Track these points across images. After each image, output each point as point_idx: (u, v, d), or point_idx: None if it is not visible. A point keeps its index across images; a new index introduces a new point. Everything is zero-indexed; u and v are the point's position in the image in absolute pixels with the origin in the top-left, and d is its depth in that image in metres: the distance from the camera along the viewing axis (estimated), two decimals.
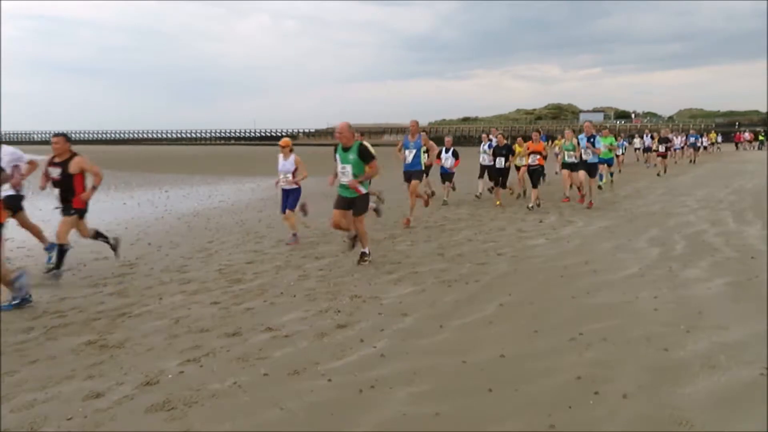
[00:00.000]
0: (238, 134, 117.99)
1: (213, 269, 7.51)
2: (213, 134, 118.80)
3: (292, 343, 4.75)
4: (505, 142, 14.24)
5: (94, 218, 12.91)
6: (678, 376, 3.98)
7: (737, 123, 78.11)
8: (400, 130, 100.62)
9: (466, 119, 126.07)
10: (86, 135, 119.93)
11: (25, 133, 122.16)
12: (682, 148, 31.99)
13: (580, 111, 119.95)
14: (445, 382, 3.98)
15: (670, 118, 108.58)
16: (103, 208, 14.82)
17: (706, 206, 12.83)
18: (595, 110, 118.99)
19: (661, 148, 22.39)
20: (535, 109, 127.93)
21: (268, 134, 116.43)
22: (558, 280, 6.69)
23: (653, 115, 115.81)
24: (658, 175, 21.35)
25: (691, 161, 30.59)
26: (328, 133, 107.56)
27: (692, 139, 33.17)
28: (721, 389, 3.78)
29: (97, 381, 4.06)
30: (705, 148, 39.78)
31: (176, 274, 7.27)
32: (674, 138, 28.02)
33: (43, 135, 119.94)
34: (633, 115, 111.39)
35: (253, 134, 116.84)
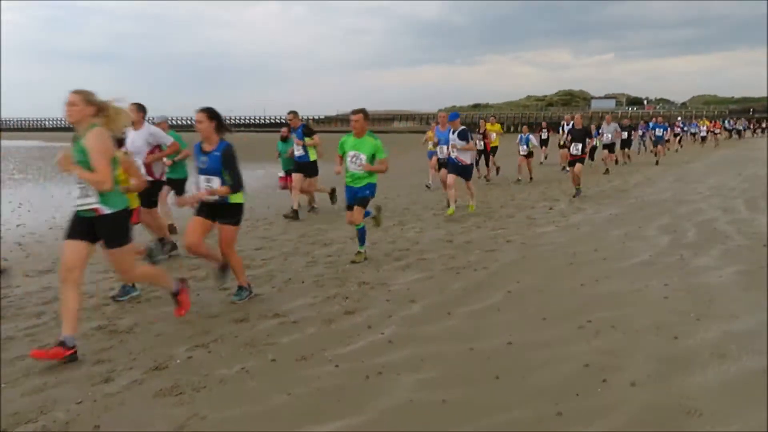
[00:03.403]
0: (248, 121, 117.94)
1: None
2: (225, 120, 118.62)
3: (299, 329, 4.76)
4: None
5: None
6: (687, 365, 3.95)
7: (751, 109, 77.12)
8: (409, 117, 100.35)
9: (476, 106, 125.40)
10: None
11: (37, 120, 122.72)
12: (625, 139, 20.52)
13: (592, 97, 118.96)
14: (452, 369, 3.97)
15: (683, 104, 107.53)
16: None
17: (718, 194, 12.69)
18: (607, 97, 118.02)
19: (574, 149, 13.09)
20: (546, 96, 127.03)
21: (279, 121, 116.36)
22: (567, 267, 6.66)
23: (666, 101, 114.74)
24: (574, 195, 12.57)
25: (657, 162, 21.54)
26: (338, 119, 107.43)
27: (659, 131, 23.05)
28: (731, 378, 3.74)
29: (106, 365, 4.10)
30: (703, 138, 34.61)
31: (185, 260, 7.30)
32: (608, 130, 18.41)
33: (54, 123, 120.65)
34: (645, 102, 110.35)
35: (263, 121, 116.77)
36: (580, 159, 12.99)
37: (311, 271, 6.61)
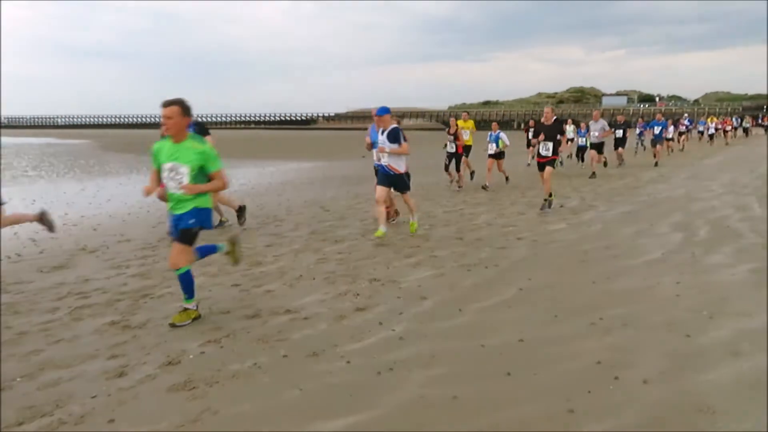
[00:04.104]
0: (258, 118, 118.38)
1: None
2: (233, 118, 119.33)
3: (311, 326, 4.78)
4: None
5: (115, 202, 13.11)
6: (700, 363, 3.93)
7: (765, 107, 76.32)
8: (419, 114, 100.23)
9: (486, 103, 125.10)
10: (109, 119, 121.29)
11: (49, 117, 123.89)
12: (620, 137, 19.09)
13: (603, 94, 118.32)
14: (463, 365, 3.98)
15: (696, 101, 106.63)
16: (127, 192, 15.00)
17: (731, 191, 12.59)
18: (618, 93, 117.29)
19: (543, 150, 10.61)
20: (556, 93, 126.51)
21: (288, 118, 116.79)
22: (578, 264, 6.63)
23: (678, 98, 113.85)
24: (541, 208, 10.53)
25: (655, 163, 19.37)
26: (348, 117, 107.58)
27: (657, 129, 20.74)
28: (744, 376, 3.72)
29: (120, 360, 4.13)
30: (711, 136, 33.03)
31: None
32: (595, 128, 17.12)
33: (66, 119, 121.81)
34: (657, 99, 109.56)
35: (273, 118, 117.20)
36: (550, 161, 10.56)
37: (322, 268, 6.64)
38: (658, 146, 20.40)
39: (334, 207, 11.32)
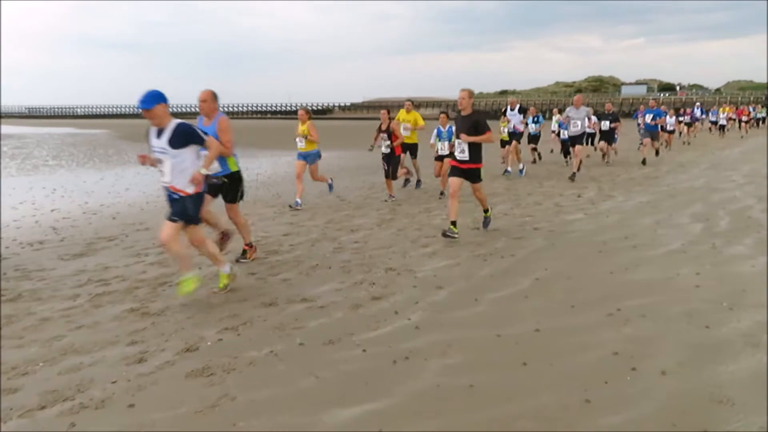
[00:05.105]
0: (273, 108, 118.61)
1: None
2: (249, 108, 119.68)
3: (327, 314, 4.80)
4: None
5: (134, 191, 13.25)
6: (719, 354, 3.89)
7: None
8: (436, 104, 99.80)
9: (503, 92, 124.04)
10: (126, 109, 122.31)
11: (69, 108, 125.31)
12: (606, 130, 16.13)
13: (622, 83, 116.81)
14: (479, 355, 3.97)
15: (718, 90, 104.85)
16: (144, 181, 15.13)
17: (752, 181, 12.39)
18: (637, 82, 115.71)
19: (458, 152, 7.52)
20: (575, 82, 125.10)
21: (305, 108, 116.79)
22: (596, 255, 6.58)
23: (699, 87, 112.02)
24: (444, 233, 7.49)
25: (643, 160, 16.40)
26: (364, 107, 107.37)
27: (649, 117, 17.29)
28: (764, 368, 3.67)
29: (139, 347, 4.19)
30: (722, 127, 30.89)
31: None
32: (577, 117, 13.24)
33: (86, 109, 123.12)
34: (678, 88, 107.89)
35: (288, 108, 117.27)
36: (473, 172, 7.57)
37: (338, 257, 6.66)
38: (648, 139, 17.24)
39: (350, 196, 11.32)
